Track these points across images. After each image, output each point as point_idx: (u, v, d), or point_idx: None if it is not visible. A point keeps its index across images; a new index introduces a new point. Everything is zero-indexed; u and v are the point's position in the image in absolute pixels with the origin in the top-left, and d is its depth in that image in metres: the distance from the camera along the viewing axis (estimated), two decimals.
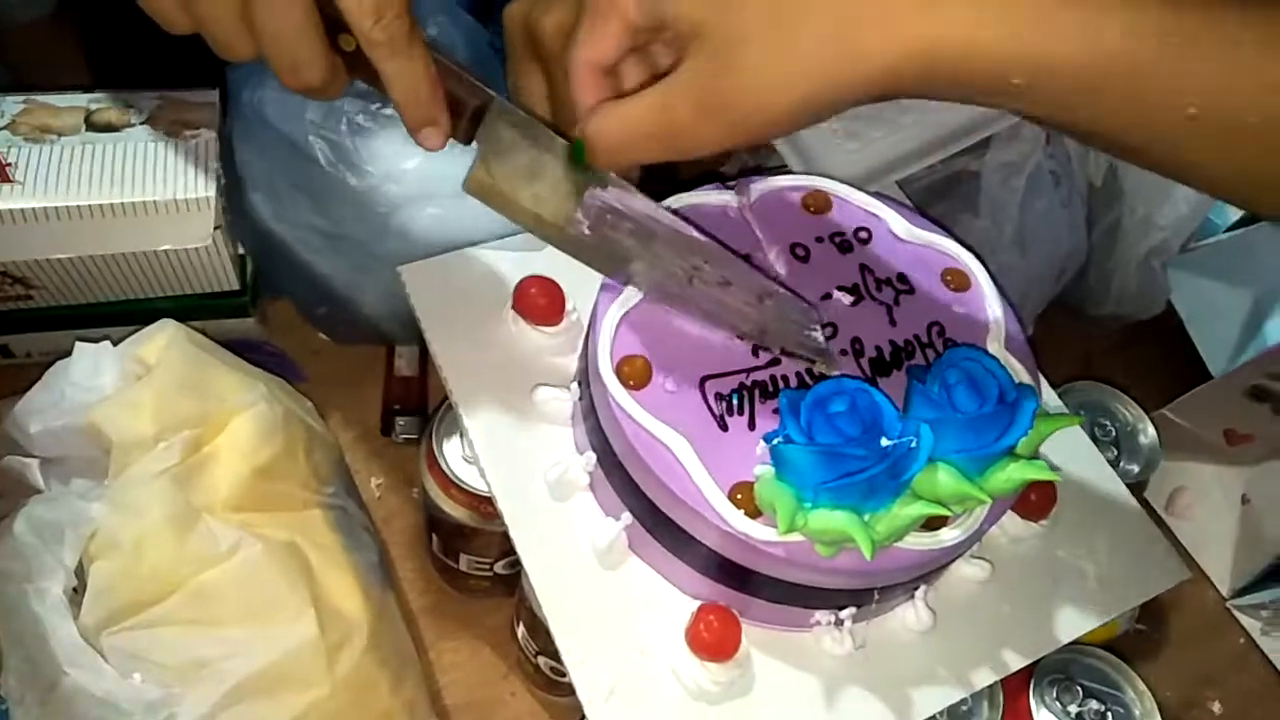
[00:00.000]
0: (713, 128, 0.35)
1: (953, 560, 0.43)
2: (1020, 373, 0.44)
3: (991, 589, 0.45)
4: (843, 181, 0.50)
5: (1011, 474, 0.38)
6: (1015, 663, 0.43)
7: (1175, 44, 0.31)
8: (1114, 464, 0.51)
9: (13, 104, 0.53)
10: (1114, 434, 0.59)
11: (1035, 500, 0.45)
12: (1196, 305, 0.69)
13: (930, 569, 0.41)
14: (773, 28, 0.33)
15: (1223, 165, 0.33)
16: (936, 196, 0.64)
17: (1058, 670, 0.49)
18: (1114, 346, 0.73)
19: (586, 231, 0.40)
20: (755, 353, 0.43)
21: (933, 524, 0.39)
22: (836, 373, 0.42)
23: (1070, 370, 0.68)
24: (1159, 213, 0.64)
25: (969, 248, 0.48)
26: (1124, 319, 0.71)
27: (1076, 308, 0.71)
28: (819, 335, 0.42)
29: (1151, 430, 0.59)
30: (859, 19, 0.32)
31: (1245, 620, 0.64)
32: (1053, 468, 0.38)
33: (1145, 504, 0.62)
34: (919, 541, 0.39)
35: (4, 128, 0.52)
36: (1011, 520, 0.46)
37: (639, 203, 0.40)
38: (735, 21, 0.34)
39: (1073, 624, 0.45)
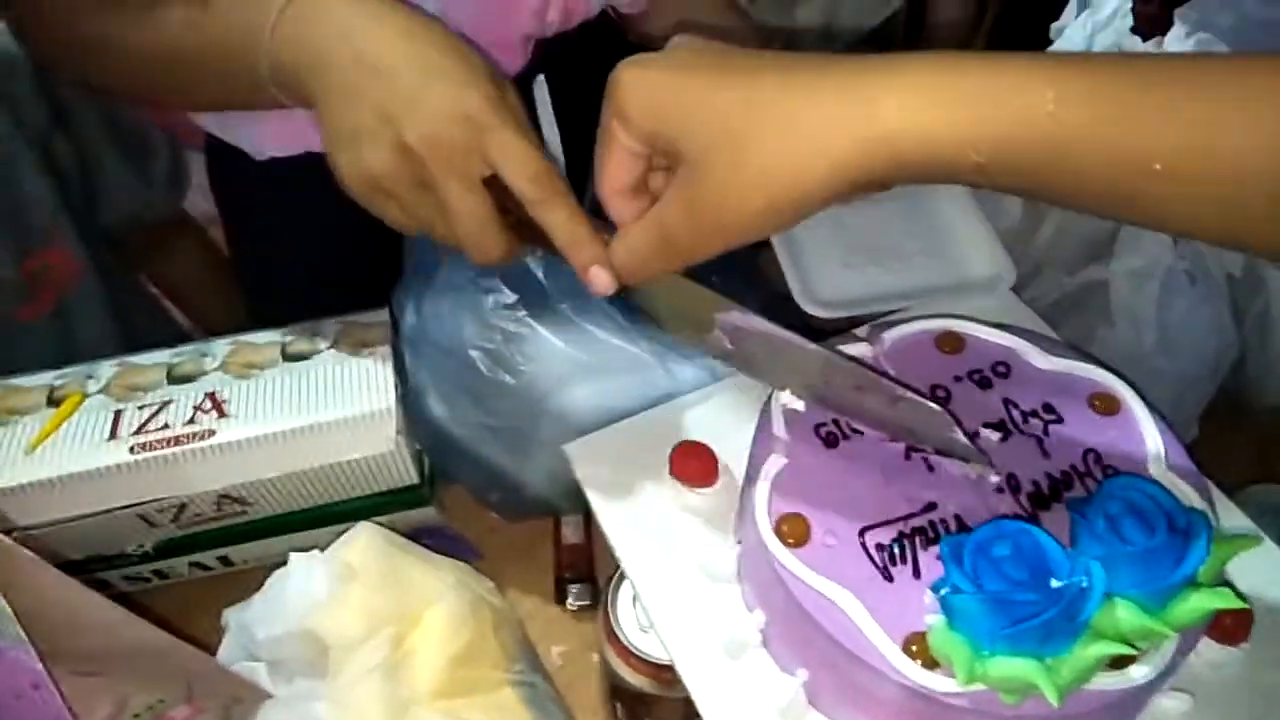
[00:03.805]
0: (704, 235, 0.39)
1: (1149, 696, 0.41)
2: (1188, 494, 0.43)
3: None
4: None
5: (1195, 605, 0.37)
6: None
7: (1110, 107, 0.32)
8: None
9: (222, 346, 0.61)
10: None
11: (1230, 623, 0.43)
12: None
13: (1124, 708, 0.40)
14: (727, 145, 0.36)
15: (1206, 212, 0.33)
16: (1068, 310, 0.65)
17: None
18: None
19: (729, 345, 0.47)
20: (911, 500, 0.44)
21: (1120, 661, 0.38)
22: (993, 476, 0.45)
23: (1245, 469, 0.64)
24: None
25: (1113, 369, 0.48)
26: None
27: (1242, 402, 0.68)
28: (959, 436, 0.45)
29: None
30: (798, 129, 0.35)
31: None
32: (1238, 593, 0.37)
33: None
34: (1108, 680, 0.38)
35: (217, 368, 0.60)
36: (1208, 646, 0.43)
37: (758, 323, 0.46)
38: (698, 141, 0.37)
39: None
